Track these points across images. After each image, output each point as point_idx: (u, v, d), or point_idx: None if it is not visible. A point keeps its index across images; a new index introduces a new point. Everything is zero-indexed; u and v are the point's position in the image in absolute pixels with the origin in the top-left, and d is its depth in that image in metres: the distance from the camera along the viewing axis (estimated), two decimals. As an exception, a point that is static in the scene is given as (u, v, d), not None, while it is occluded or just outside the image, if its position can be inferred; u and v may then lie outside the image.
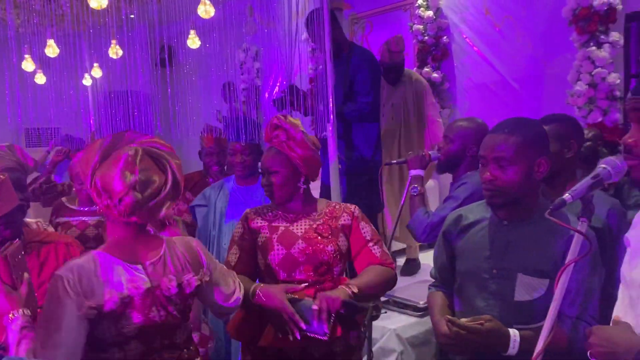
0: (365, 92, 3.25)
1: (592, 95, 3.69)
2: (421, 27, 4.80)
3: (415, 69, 4.80)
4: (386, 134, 3.80)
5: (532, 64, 4.21)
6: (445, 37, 4.74)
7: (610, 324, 1.30)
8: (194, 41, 3.79)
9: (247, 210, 2.10)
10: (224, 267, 1.84)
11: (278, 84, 5.88)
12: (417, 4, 4.82)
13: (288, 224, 2.00)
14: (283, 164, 1.96)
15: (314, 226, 1.97)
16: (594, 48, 3.67)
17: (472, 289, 1.72)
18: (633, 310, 1.23)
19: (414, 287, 3.32)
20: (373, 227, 2.07)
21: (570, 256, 1.20)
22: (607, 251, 1.75)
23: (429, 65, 4.79)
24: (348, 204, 2.09)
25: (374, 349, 2.19)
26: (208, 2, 3.14)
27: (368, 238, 2.00)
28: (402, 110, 3.88)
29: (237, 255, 2.01)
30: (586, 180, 1.19)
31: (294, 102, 3.13)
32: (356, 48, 3.48)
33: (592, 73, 3.67)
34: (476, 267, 1.71)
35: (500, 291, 1.65)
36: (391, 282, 1.99)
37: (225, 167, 3.52)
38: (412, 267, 3.83)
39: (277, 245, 1.95)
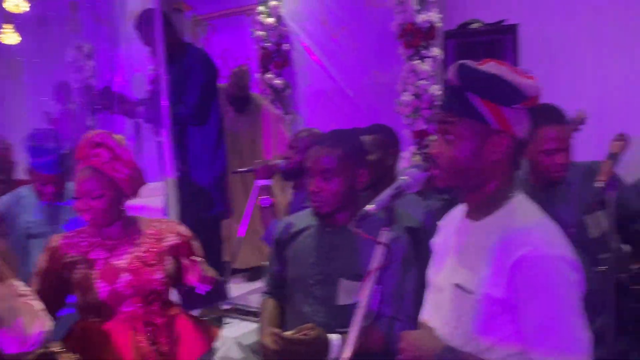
0: (193, 93, 3.14)
1: (417, 105, 4.02)
2: (263, 33, 4.85)
3: (258, 74, 4.84)
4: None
5: (366, 73, 4.48)
6: (286, 44, 4.84)
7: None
8: (9, 37, 3.40)
9: (53, 239, 1.86)
10: None
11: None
12: (258, 10, 4.85)
13: (108, 254, 1.82)
14: (106, 186, 1.78)
15: (138, 254, 1.83)
16: (418, 61, 4.00)
17: (299, 295, 1.76)
18: (437, 313, 1.32)
19: (257, 293, 3.33)
20: (199, 245, 1.98)
21: (373, 264, 1.27)
22: (423, 252, 1.90)
23: (271, 72, 4.85)
24: (174, 222, 1.99)
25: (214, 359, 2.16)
26: (18, -5, 2.83)
27: (197, 259, 1.89)
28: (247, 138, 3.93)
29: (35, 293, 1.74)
30: (388, 191, 1.27)
31: (107, 106, 2.93)
32: (191, 49, 3.37)
33: (417, 84, 4.00)
34: (303, 274, 1.75)
35: (324, 296, 1.71)
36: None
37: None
38: (257, 273, 3.85)
39: (99, 282, 1.77)
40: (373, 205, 1.24)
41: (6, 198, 2.62)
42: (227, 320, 2.97)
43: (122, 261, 1.81)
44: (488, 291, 1.17)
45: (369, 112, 4.44)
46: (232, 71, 3.93)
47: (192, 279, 1.88)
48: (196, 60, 3.25)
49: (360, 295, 1.25)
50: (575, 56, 3.83)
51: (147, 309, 1.83)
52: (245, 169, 2.87)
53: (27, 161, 2.53)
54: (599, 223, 1.87)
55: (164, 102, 2.90)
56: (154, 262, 1.83)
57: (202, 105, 3.21)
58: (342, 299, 1.68)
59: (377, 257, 1.27)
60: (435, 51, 4.00)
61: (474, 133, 1.19)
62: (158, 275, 1.83)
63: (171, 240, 1.90)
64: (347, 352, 1.20)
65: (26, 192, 2.62)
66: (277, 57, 4.85)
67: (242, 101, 3.93)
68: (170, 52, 3.01)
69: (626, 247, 1.94)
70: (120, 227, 1.87)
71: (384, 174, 2.05)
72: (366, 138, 1.95)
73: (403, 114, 4.07)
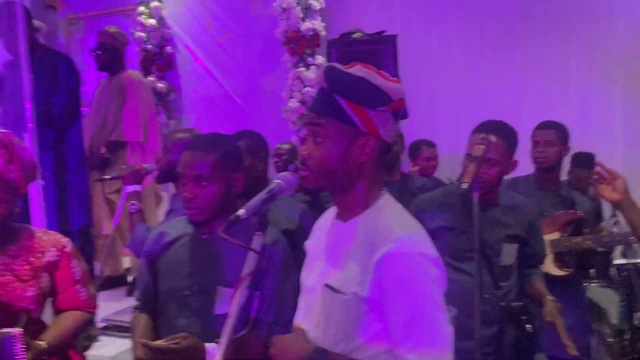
0: (64, 95, 3.01)
1: (303, 111, 4.06)
2: (144, 35, 4.66)
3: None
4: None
5: (251, 79, 4.46)
6: (169, 47, 4.69)
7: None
8: None
9: None
10: None
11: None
12: (139, 11, 4.65)
13: None
14: (3, 190, 1.65)
15: (12, 266, 1.67)
16: (303, 69, 4.05)
17: (173, 308, 1.67)
18: (309, 315, 1.32)
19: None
20: (85, 265, 1.86)
21: (246, 270, 1.23)
22: (301, 254, 1.90)
23: (153, 75, 4.67)
24: (58, 235, 1.83)
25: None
26: None
27: (77, 278, 1.80)
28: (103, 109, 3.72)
29: None
30: (261, 196, 1.25)
31: None
32: (50, 50, 3.23)
33: (302, 91, 4.04)
34: (177, 285, 1.67)
35: (201, 307, 1.64)
36: (87, 326, 1.87)
37: None
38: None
39: None
40: (243, 210, 1.20)
41: None
42: (101, 338, 2.78)
43: None
44: (355, 290, 1.18)
45: (256, 118, 4.42)
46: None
47: (65, 303, 1.77)
48: (62, 62, 3.16)
49: (231, 303, 1.21)
50: (452, 64, 4.09)
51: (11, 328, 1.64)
52: (112, 176, 2.73)
53: None
54: (511, 254, 1.98)
55: (28, 105, 2.67)
56: (28, 277, 1.69)
57: (72, 107, 3.08)
58: (220, 308, 1.61)
59: (249, 263, 1.23)
60: (319, 59, 4.08)
61: (342, 135, 1.20)
62: (30, 292, 1.68)
63: (53, 255, 1.76)
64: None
65: None
66: (159, 59, 4.69)
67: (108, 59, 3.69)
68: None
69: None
70: (2, 235, 1.72)
71: (256, 179, 2.03)
72: (238, 143, 1.91)
73: (289, 121, 4.09)
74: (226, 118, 4.50)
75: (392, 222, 1.22)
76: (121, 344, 2.83)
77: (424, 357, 1.14)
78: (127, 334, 2.83)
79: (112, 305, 3.24)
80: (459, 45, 4.08)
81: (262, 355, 1.62)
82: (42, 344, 1.62)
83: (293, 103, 4.04)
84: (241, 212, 1.20)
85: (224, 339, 1.19)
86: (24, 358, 1.54)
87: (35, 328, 1.71)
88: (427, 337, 1.15)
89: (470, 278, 1.92)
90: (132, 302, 3.27)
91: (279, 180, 1.30)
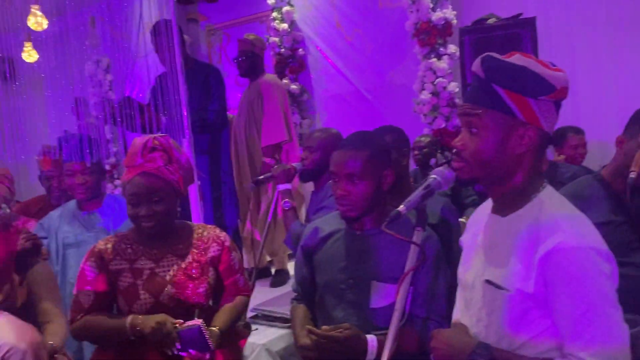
0: (217, 102, 3.25)
1: (436, 103, 4.00)
2: (277, 39, 4.87)
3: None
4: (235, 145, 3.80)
5: (381, 75, 4.47)
6: (300, 49, 4.85)
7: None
8: (30, 54, 3.45)
9: (100, 244, 1.81)
10: None
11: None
12: (272, 17, 4.88)
13: (153, 265, 1.78)
14: (166, 190, 1.75)
15: (183, 266, 1.79)
16: (434, 59, 3.98)
17: (331, 300, 1.75)
18: (468, 311, 1.31)
19: (283, 298, 3.31)
20: (239, 255, 1.97)
21: (408, 265, 1.26)
22: (451, 248, 1.88)
23: (287, 77, 4.87)
24: (216, 230, 1.92)
25: (244, 366, 2.17)
26: (39, 14, 2.86)
27: (237, 268, 1.91)
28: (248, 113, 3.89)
29: (92, 299, 1.75)
30: (419, 191, 1.26)
31: (132, 115, 2.96)
32: (200, 62, 3.51)
33: (434, 82, 3.98)
34: (334, 278, 1.74)
35: (357, 300, 1.70)
36: (246, 308, 2.02)
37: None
38: (281, 278, 3.85)
39: (144, 293, 1.74)
40: (403, 206, 1.23)
41: (54, 212, 2.72)
42: (255, 326, 2.97)
43: (166, 273, 1.77)
44: (519, 286, 1.16)
45: (387, 113, 4.43)
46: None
47: (228, 292, 1.90)
48: (212, 72, 3.45)
49: (396, 297, 1.24)
50: (595, 46, 3.78)
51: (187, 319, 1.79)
52: (265, 176, 2.87)
53: (61, 157, 2.63)
54: None
55: (185, 113, 2.94)
56: (198, 275, 1.79)
57: (223, 113, 3.33)
58: (375, 302, 1.67)
59: (411, 258, 1.25)
60: (452, 48, 3.98)
61: (499, 125, 1.18)
62: (201, 289, 1.79)
63: (215, 250, 1.86)
64: (386, 354, 1.19)
65: (71, 205, 2.70)
66: (292, 62, 4.87)
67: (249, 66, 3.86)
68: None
69: None
70: (168, 235, 1.83)
71: (399, 175, 2.04)
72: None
73: (421, 113, 4.05)
74: (357, 114, 4.57)
75: (557, 215, 1.17)
76: (270, 332, 2.98)
77: (599, 356, 1.09)
78: (275, 323, 3.02)
79: (259, 297, 3.43)
80: (603, 25, 3.75)
81: (416, 349, 1.65)
82: (215, 329, 1.74)
83: (425, 95, 3.99)
84: (401, 208, 1.23)
85: (391, 332, 1.22)
86: (211, 344, 1.68)
87: (206, 315, 1.86)
88: (601, 334, 1.10)
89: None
90: (276, 292, 3.50)
91: (435, 176, 1.31)
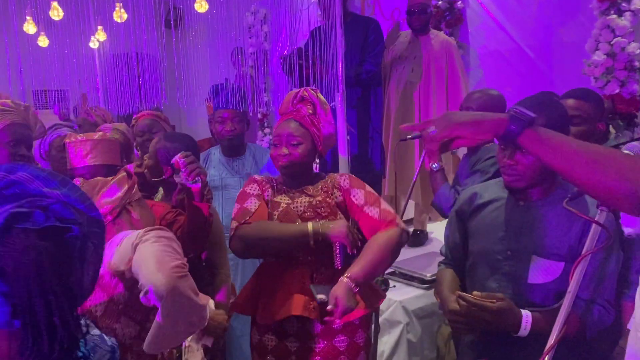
0: (377, 58, 3.20)
1: (610, 65, 3.58)
2: (435, -9, 4.64)
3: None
4: (405, 96, 3.72)
5: (549, 31, 4.08)
6: (459, 1, 4.59)
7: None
8: (201, 4, 3.67)
9: (257, 176, 2.02)
10: None
11: (286, 50, 5.77)
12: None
13: (289, 201, 1.92)
14: (306, 137, 1.89)
15: (314, 203, 1.90)
16: (614, 16, 3.53)
17: (484, 270, 1.69)
18: None
19: (421, 259, 3.31)
20: (367, 189, 1.93)
21: (588, 245, 1.15)
22: (623, 234, 1.72)
23: (442, 31, 4.65)
24: (336, 176, 1.99)
25: (380, 320, 2.20)
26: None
27: (361, 203, 1.88)
28: (427, 67, 3.75)
29: (258, 205, 1.90)
30: None
31: (302, 66, 3.02)
32: (358, 16, 3.45)
33: (612, 42, 3.54)
34: (490, 248, 1.67)
35: (513, 273, 1.62)
36: (397, 245, 1.81)
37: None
38: (419, 238, 3.82)
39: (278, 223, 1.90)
40: None
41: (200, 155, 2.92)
42: (393, 283, 3.00)
43: (298, 209, 1.90)
44: None
45: (550, 73, 4.06)
46: None
47: (364, 229, 1.89)
48: (372, 27, 3.38)
49: (571, 278, 1.15)
50: None
51: (316, 259, 1.88)
52: (413, 135, 2.79)
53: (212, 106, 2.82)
54: None
55: (341, 67, 2.95)
56: (326, 214, 1.88)
57: (379, 69, 3.33)
58: (533, 278, 1.58)
59: (592, 239, 1.15)
60: (638, 3, 3.50)
61: None
62: None
63: (338, 196, 1.94)
64: (553, 337, 1.12)
65: (214, 151, 2.89)
66: (449, 15, 4.63)
67: (422, 18, 3.70)
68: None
69: None
70: (305, 180, 1.96)
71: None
72: (571, 102, 1.77)
73: (592, 76, 3.65)
74: (516, 73, 4.24)
75: None
76: (408, 291, 2.99)
77: None
78: (413, 283, 3.02)
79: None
80: None
81: (575, 333, 1.54)
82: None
83: (599, 56, 3.58)
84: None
85: (562, 315, 1.14)
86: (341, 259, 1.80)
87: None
88: None
89: None
90: (414, 253, 3.49)
91: (628, 151, 1.17)
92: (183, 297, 1.33)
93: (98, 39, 4.53)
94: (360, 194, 1.90)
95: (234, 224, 1.88)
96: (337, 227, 1.77)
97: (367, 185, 1.95)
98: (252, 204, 1.90)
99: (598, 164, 0.92)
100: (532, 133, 1.00)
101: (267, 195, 1.95)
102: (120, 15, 3.80)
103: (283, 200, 1.93)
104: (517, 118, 1.02)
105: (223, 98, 2.79)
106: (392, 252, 1.81)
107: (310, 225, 1.79)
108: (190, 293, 1.35)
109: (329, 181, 1.96)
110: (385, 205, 1.88)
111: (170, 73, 4.18)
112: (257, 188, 1.95)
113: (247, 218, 1.87)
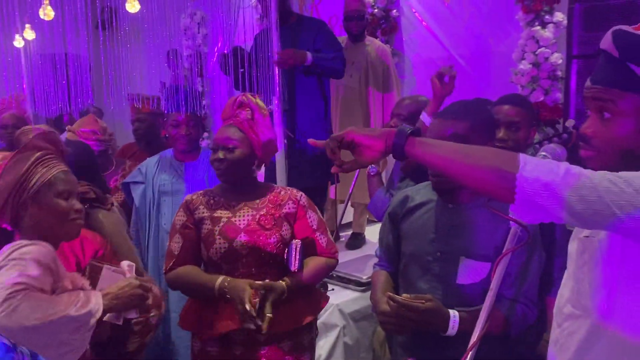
0: (332, 48, 3.19)
1: (535, 74, 3.76)
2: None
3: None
4: (346, 101, 3.74)
5: (479, 41, 4.24)
6: (395, 10, 4.69)
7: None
8: (132, 4, 3.55)
9: (188, 197, 2.00)
10: None
11: (226, 49, 5.69)
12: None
13: (230, 214, 1.92)
14: (243, 141, 1.90)
15: (257, 217, 1.90)
16: (538, 28, 3.72)
17: (416, 271, 1.72)
18: None
19: (358, 262, 3.34)
20: (320, 215, 2.03)
21: (508, 244, 1.20)
22: (546, 234, 1.79)
23: (378, 39, 4.74)
24: (294, 190, 2.03)
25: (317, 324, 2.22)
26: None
27: (314, 227, 1.97)
28: (365, 73, 3.82)
29: (181, 245, 1.93)
30: None
31: (237, 65, 2.97)
32: (305, 17, 3.42)
33: (536, 52, 3.73)
34: (421, 250, 1.71)
35: (443, 274, 1.66)
36: (330, 271, 2.05)
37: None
38: (357, 241, 3.86)
39: (219, 238, 1.88)
40: None
41: (151, 159, 2.84)
42: (330, 287, 3.01)
43: (241, 222, 1.90)
44: None
45: (482, 81, 4.22)
46: None
47: (307, 250, 1.93)
48: (316, 25, 3.32)
49: (487, 276, 1.19)
50: None
51: (260, 271, 1.89)
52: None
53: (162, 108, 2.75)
54: None
55: (276, 71, 2.94)
56: (270, 226, 1.89)
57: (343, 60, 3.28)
58: (462, 278, 1.62)
59: (511, 239, 1.19)
60: (559, 16, 3.70)
61: (639, 109, 1.05)
62: (273, 239, 1.88)
63: (290, 207, 1.96)
64: (476, 334, 1.15)
65: (168, 154, 2.81)
66: (384, 23, 4.73)
67: (358, 24, 3.83)
68: (283, 19, 3.05)
69: None
70: (246, 189, 1.96)
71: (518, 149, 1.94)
72: (505, 107, 1.84)
73: (519, 84, 3.83)
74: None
75: None
76: (344, 294, 3.02)
77: None
78: (350, 286, 3.05)
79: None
80: None
81: (500, 331, 1.59)
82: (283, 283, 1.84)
83: (524, 65, 3.76)
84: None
85: (484, 312, 1.18)
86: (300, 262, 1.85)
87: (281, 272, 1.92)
88: None
89: None
90: (352, 255, 3.52)
91: (545, 153, 1.22)
92: (21, 327, 1.19)
93: (25, 37, 4.30)
94: (314, 219, 1.98)
95: (165, 263, 1.96)
96: (239, 291, 1.77)
97: (317, 210, 2.04)
98: (176, 244, 1.93)
99: (472, 158, 1.05)
100: (415, 140, 1.13)
101: (200, 213, 1.93)
102: (46, 12, 3.61)
103: (223, 215, 1.91)
104: (401, 130, 1.15)
105: (177, 101, 2.71)
106: (325, 275, 2.09)
107: (218, 282, 1.82)
108: (32, 314, 1.23)
109: (282, 193, 1.98)
110: (330, 236, 2.03)
111: (99, 74, 4.03)
112: (184, 215, 1.95)
113: (171, 263, 1.92)
